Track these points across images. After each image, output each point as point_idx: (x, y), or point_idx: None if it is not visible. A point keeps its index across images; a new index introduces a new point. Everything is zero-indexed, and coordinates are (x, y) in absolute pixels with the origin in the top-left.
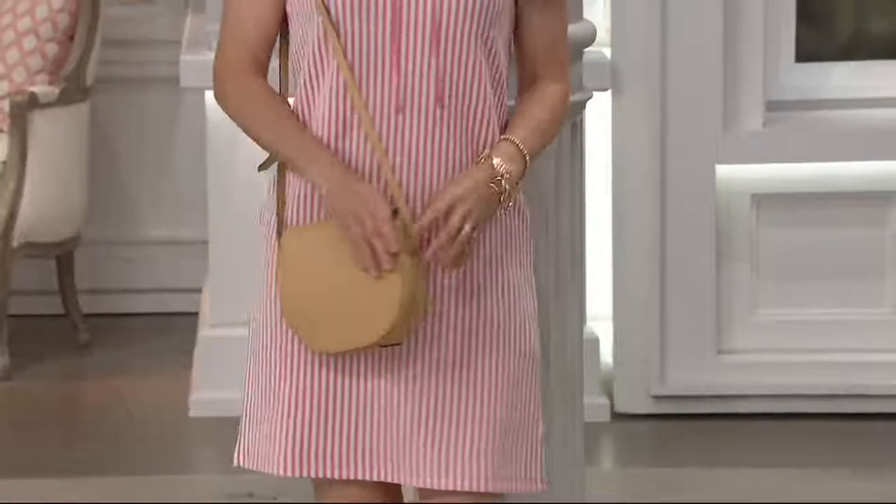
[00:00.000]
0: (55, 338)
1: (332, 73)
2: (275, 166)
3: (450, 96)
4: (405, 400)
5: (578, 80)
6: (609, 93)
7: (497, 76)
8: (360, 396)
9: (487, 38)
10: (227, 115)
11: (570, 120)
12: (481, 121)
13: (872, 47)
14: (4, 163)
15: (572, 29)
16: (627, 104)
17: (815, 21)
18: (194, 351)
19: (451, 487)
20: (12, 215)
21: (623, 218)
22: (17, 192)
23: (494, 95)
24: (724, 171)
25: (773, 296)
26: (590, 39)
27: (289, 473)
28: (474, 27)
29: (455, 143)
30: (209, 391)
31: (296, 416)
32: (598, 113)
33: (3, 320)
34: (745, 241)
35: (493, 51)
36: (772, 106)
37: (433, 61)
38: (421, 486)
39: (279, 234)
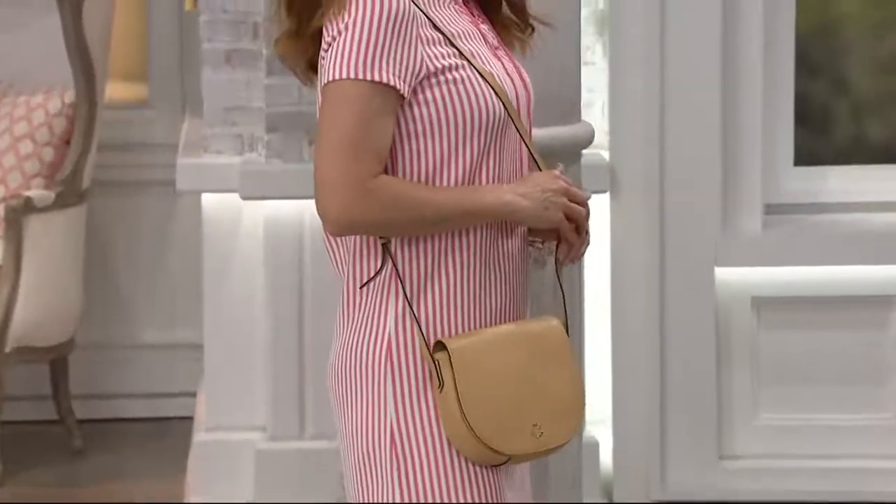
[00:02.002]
0: (49, 444)
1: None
2: (384, 285)
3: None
4: None
5: (577, 181)
6: (607, 195)
7: None
8: None
9: None
10: (368, 225)
11: None
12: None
13: (871, 151)
14: (0, 267)
15: (571, 130)
16: (626, 207)
17: (814, 124)
18: (189, 456)
19: None
20: (6, 320)
21: (622, 321)
22: (12, 297)
23: None
24: (723, 273)
25: (774, 400)
26: (588, 141)
27: None
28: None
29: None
30: (205, 496)
31: None
32: (597, 215)
33: None
34: (745, 344)
35: None
36: (771, 209)
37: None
38: None
39: (428, 346)
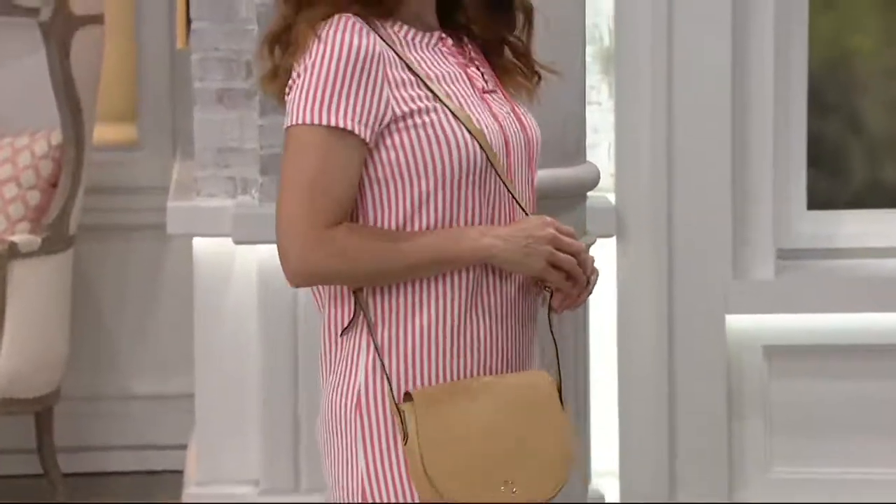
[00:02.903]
0: (32, 499)
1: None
2: (357, 334)
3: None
4: None
5: (582, 224)
6: (613, 239)
7: None
8: None
9: None
10: (326, 275)
11: None
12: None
13: (887, 194)
14: None
15: (575, 171)
16: (633, 251)
17: (828, 166)
18: None
19: None
20: None
21: (629, 369)
22: None
23: None
24: (734, 321)
25: (787, 452)
26: (593, 183)
27: None
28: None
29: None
30: None
31: None
32: (602, 260)
33: None
34: (757, 394)
35: None
36: (783, 254)
37: (529, 207)
38: None
39: (394, 398)
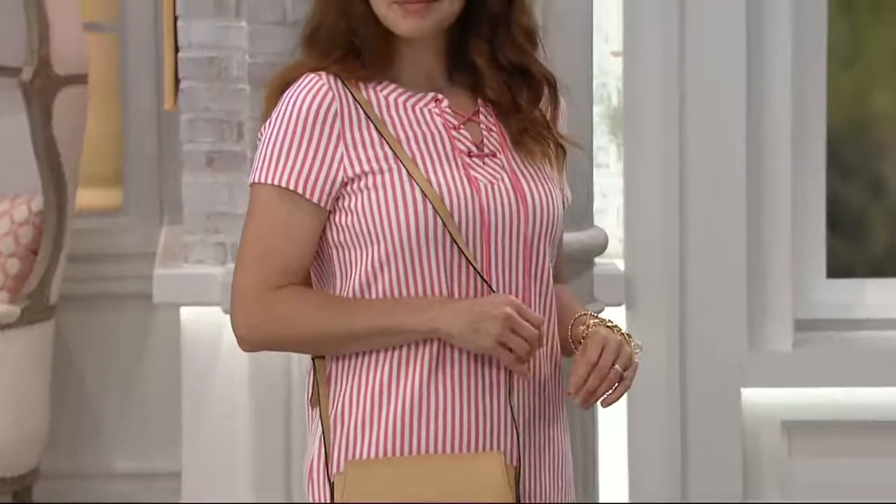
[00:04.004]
0: None
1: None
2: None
3: (536, 311)
4: None
5: (589, 292)
6: (623, 308)
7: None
8: None
9: (556, 249)
10: (266, 341)
11: None
12: (553, 330)
13: None
14: None
15: (583, 236)
16: (643, 321)
17: (848, 232)
18: None
19: None
20: None
21: (639, 445)
22: None
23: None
24: (750, 395)
25: None
26: (601, 248)
27: None
28: (550, 242)
29: (540, 356)
30: None
31: None
32: None
33: None
34: (775, 471)
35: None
36: (801, 325)
37: (524, 292)
38: None
39: (328, 470)
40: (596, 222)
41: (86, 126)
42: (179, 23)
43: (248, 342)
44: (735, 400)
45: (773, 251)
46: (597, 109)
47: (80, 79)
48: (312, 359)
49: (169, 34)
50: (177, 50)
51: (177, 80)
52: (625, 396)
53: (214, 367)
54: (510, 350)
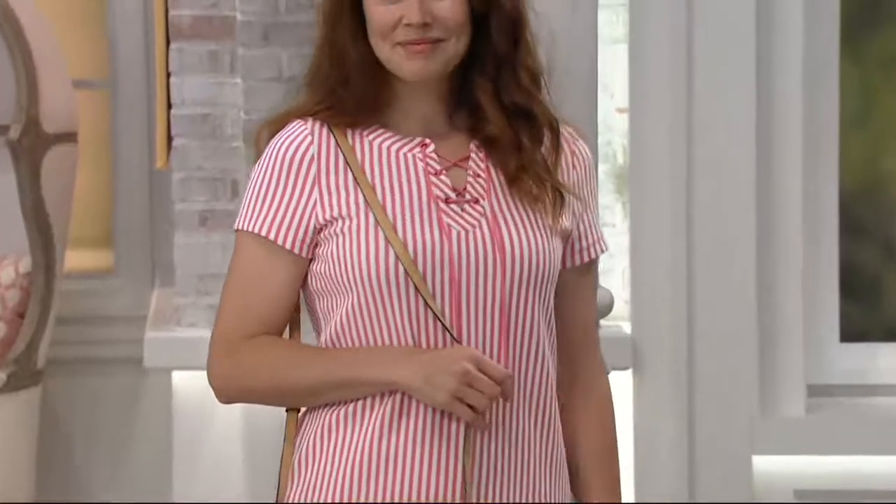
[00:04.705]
0: None
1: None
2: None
3: (516, 368)
4: None
5: None
6: (629, 372)
7: (552, 341)
8: None
9: (548, 302)
10: (236, 392)
11: None
12: (543, 388)
13: None
14: None
15: None
16: (650, 386)
17: (861, 297)
18: None
19: None
20: None
21: None
22: None
23: (552, 361)
24: (762, 463)
25: None
26: (607, 310)
27: None
28: (538, 295)
29: (519, 414)
30: None
31: None
32: (617, 396)
33: None
34: None
35: (550, 314)
36: (814, 390)
37: (502, 344)
38: None
39: None
40: (601, 283)
41: (75, 185)
42: (172, 79)
43: (223, 393)
44: (746, 467)
45: (785, 314)
46: (602, 167)
47: (69, 137)
48: (286, 411)
49: (162, 90)
50: (169, 107)
51: (169, 138)
52: (631, 463)
53: (207, 434)
54: (470, 405)
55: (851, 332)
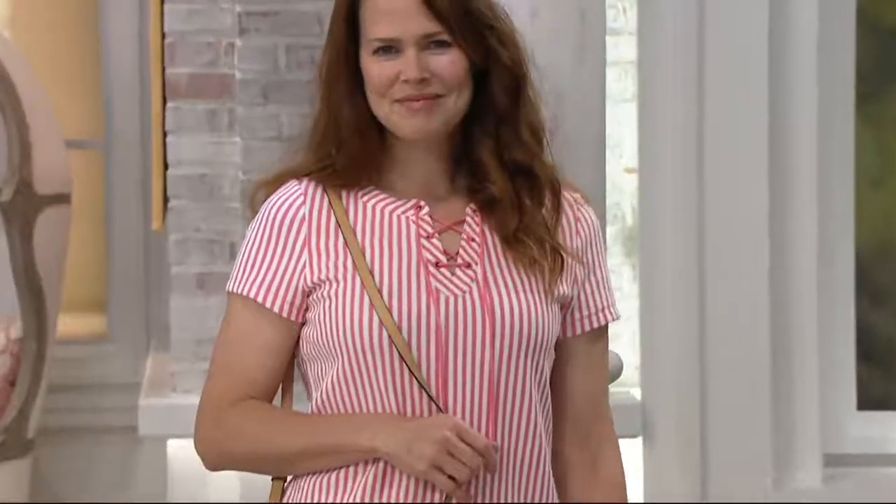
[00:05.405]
0: None
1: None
2: None
3: (505, 440)
4: None
5: None
6: (639, 440)
7: (546, 411)
8: None
9: (541, 371)
10: (217, 457)
11: None
12: (533, 462)
13: None
14: None
15: None
16: (661, 454)
17: (879, 363)
18: None
19: None
20: None
21: None
22: None
23: (545, 433)
24: None
25: None
26: (616, 375)
27: None
28: (530, 363)
29: (508, 489)
30: None
31: None
32: (627, 465)
33: None
34: None
35: (544, 384)
36: (831, 460)
37: (490, 415)
38: None
39: None
40: (610, 348)
41: (68, 248)
42: (169, 138)
43: (206, 458)
44: None
45: (800, 381)
46: (610, 230)
47: (62, 198)
48: (272, 480)
49: (158, 150)
50: (165, 167)
51: (165, 199)
52: None
53: (203, 499)
54: (450, 475)
55: (869, 400)
